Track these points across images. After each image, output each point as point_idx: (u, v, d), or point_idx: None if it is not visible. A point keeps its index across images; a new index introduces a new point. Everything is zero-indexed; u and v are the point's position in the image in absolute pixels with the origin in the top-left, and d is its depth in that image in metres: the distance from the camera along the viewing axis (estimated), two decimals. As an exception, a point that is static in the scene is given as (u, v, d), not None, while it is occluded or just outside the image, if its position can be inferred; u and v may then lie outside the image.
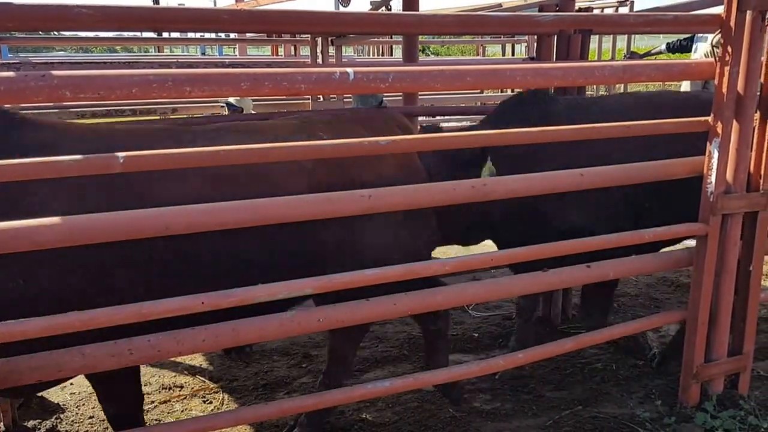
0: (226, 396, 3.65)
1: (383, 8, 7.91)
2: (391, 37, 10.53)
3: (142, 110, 6.56)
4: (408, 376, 2.96)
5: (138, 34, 11.88)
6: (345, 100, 7.10)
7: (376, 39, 11.27)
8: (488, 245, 3.96)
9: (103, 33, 9.51)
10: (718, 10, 2.93)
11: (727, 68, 2.84)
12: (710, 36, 5.64)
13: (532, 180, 2.84)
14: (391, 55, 12.36)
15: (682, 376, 3.26)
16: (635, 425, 3.21)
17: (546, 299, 4.46)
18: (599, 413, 3.37)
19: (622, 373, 3.79)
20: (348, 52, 14.02)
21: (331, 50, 7.31)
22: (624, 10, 8.05)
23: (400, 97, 6.49)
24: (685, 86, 6.78)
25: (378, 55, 13.15)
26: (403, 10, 5.07)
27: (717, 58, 2.88)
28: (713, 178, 2.96)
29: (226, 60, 9.04)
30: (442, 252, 5.59)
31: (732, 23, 2.80)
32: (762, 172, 3.06)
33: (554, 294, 4.42)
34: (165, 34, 11.67)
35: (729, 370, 3.31)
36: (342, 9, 8.98)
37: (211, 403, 3.59)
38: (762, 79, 2.96)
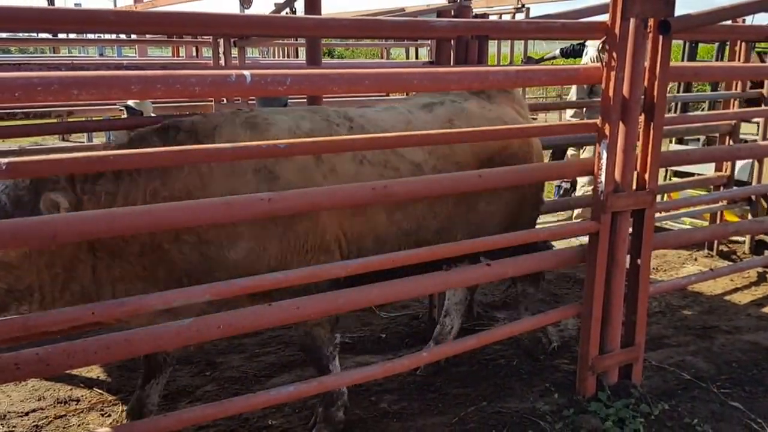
0: (125, 408, 3.53)
1: (287, 9, 7.83)
2: (297, 39, 10.45)
3: (36, 113, 6.26)
4: (313, 380, 2.93)
5: (34, 34, 11.36)
6: (250, 102, 7.00)
7: (280, 41, 11.17)
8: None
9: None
10: (605, 17, 3.06)
11: (612, 73, 2.97)
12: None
13: (431, 182, 2.88)
14: (297, 56, 12.28)
15: (579, 368, 3.39)
16: (536, 418, 3.30)
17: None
18: (502, 408, 3.45)
19: (524, 368, 3.90)
20: (254, 53, 13.86)
21: (235, 52, 7.18)
22: (520, 16, 8.31)
23: (305, 99, 6.45)
24: (573, 92, 7.15)
25: (283, 56, 13.04)
26: (305, 12, 5.04)
27: (603, 64, 3.01)
28: (603, 178, 3.09)
29: (124, 61, 8.75)
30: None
31: (616, 30, 2.93)
32: (648, 172, 3.22)
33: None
34: (62, 35, 11.19)
35: (622, 361, 3.45)
36: (245, 10, 8.84)
37: (109, 416, 3.47)
38: (646, 83, 3.12)
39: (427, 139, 2.89)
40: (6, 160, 2.10)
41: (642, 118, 3.16)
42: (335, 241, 2.98)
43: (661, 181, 6.21)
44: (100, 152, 2.45)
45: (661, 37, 3.04)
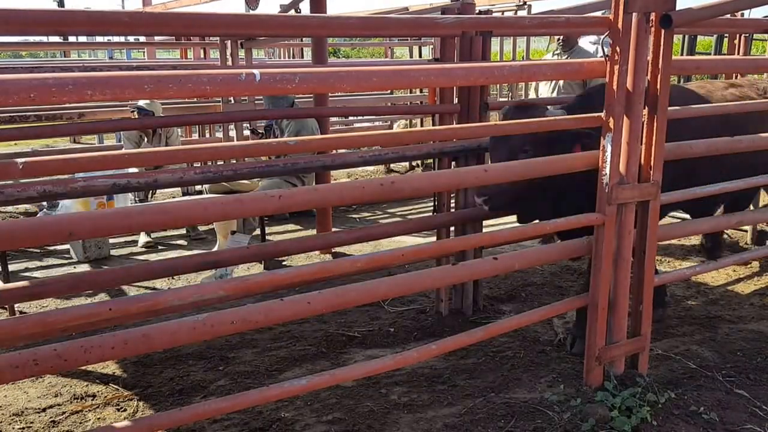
0: (141, 403, 3.60)
1: (292, 11, 7.89)
2: (302, 40, 10.52)
3: (48, 116, 6.35)
4: (325, 373, 2.98)
5: (44, 38, 11.44)
6: (256, 101, 7.08)
7: (286, 41, 11.23)
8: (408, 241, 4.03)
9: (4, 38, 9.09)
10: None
11: (616, 67, 3.01)
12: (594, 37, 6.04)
13: (438, 177, 2.94)
14: (302, 57, 12.37)
15: (586, 358, 3.44)
16: (544, 408, 3.35)
17: (458, 291, 4.59)
18: (510, 398, 3.50)
19: (531, 359, 3.95)
20: (260, 54, 13.93)
21: (242, 53, 7.26)
22: (522, 13, 8.37)
23: (311, 99, 6.53)
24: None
25: (289, 57, 13.12)
26: (311, 12, 5.11)
27: (607, 58, 3.06)
28: (608, 171, 3.14)
29: (134, 64, 8.83)
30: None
31: (619, 25, 2.97)
32: (652, 164, 3.26)
33: (466, 286, 4.56)
34: (72, 39, 11.27)
35: (629, 351, 3.50)
36: (251, 12, 8.90)
37: (125, 411, 3.53)
38: (648, 77, 3.17)
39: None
40: (22, 160, 2.17)
41: (645, 110, 3.21)
42: None
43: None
44: (115, 152, 2.50)
45: (663, 31, 3.08)
